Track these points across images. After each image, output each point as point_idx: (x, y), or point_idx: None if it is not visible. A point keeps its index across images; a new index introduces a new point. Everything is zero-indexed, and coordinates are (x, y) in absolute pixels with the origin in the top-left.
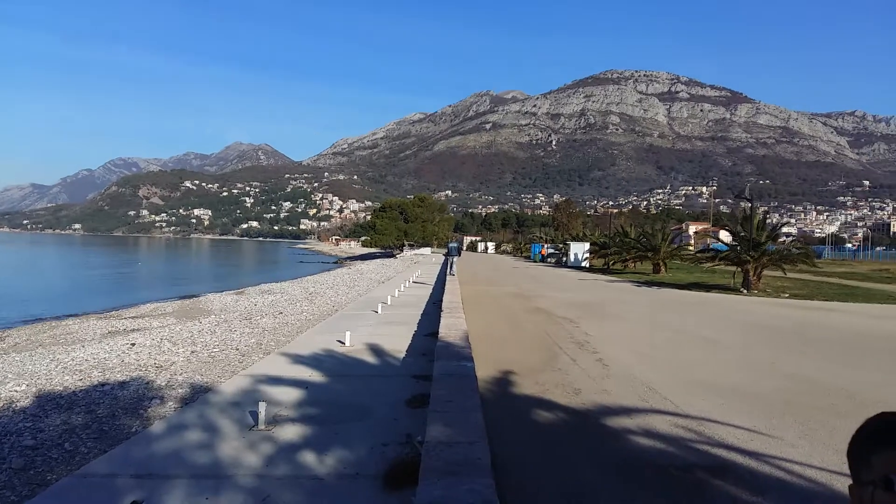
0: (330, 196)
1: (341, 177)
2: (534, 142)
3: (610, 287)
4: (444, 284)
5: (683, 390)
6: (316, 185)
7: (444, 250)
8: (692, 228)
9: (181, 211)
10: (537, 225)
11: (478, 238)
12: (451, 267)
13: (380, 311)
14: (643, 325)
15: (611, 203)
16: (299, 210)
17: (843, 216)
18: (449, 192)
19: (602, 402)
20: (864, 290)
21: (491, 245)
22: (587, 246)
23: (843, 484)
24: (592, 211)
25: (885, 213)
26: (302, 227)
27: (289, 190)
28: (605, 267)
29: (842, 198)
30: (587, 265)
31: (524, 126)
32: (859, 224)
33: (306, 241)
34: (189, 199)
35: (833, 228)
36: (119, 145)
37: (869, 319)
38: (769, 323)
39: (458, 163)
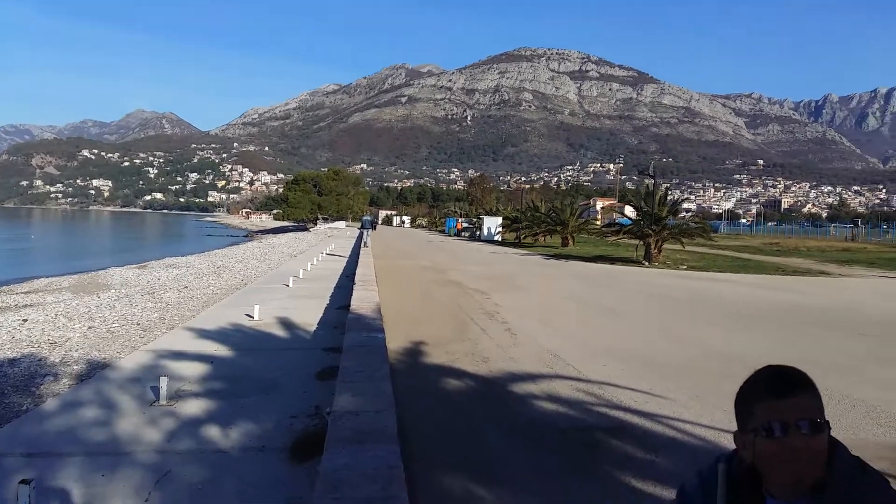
0: (240, 168)
1: (252, 148)
2: (449, 117)
3: (521, 260)
4: (358, 258)
5: (586, 357)
6: (225, 156)
7: (359, 224)
8: (599, 204)
9: (79, 182)
10: (452, 199)
11: (393, 212)
12: (365, 240)
13: (291, 285)
14: (551, 296)
15: (523, 179)
16: (207, 182)
17: (738, 193)
18: (364, 166)
19: (509, 370)
20: (756, 262)
21: (406, 219)
22: (500, 220)
23: (730, 440)
24: (506, 186)
25: (777, 190)
26: (210, 199)
27: (195, 161)
28: (517, 241)
29: (738, 176)
30: (500, 239)
31: (440, 101)
32: (753, 201)
33: (215, 214)
34: (87, 169)
35: (729, 205)
36: (10, 111)
37: (758, 290)
38: (668, 293)
39: (373, 136)
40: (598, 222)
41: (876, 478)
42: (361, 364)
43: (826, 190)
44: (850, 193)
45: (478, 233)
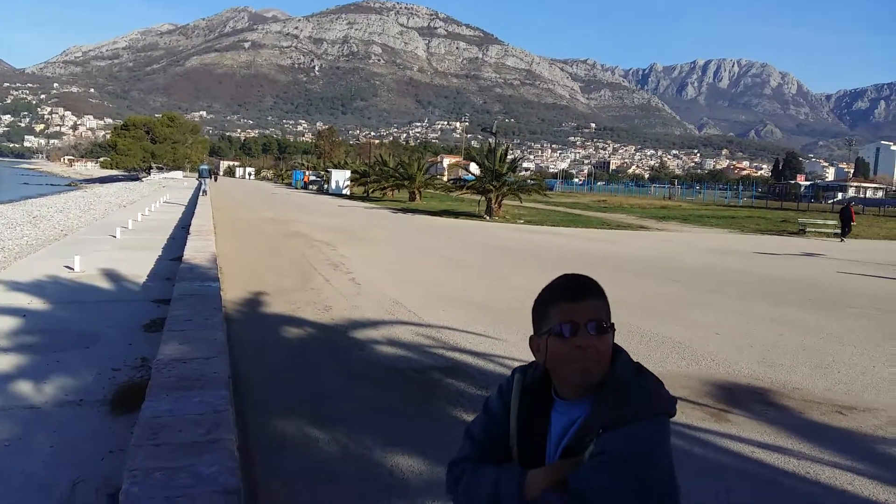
0: (61, 111)
1: (75, 89)
2: (296, 66)
3: (368, 213)
4: (195, 208)
5: (427, 304)
6: (43, 97)
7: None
8: (446, 161)
9: None
10: (300, 152)
11: (236, 163)
12: (203, 188)
13: (119, 236)
14: (396, 248)
15: (372, 133)
16: (22, 125)
17: (572, 154)
18: (203, 114)
19: (351, 317)
20: (585, 217)
21: (250, 171)
22: (348, 174)
23: None
24: (355, 140)
25: (607, 152)
26: (26, 144)
27: (9, 101)
28: (366, 194)
29: (572, 138)
30: (348, 193)
31: (286, 48)
32: (585, 162)
33: (32, 161)
34: None
35: (564, 165)
36: None
37: (587, 242)
38: (506, 245)
39: (213, 82)
40: (445, 178)
41: (650, 378)
42: (192, 312)
43: (649, 153)
44: (669, 156)
45: (326, 186)
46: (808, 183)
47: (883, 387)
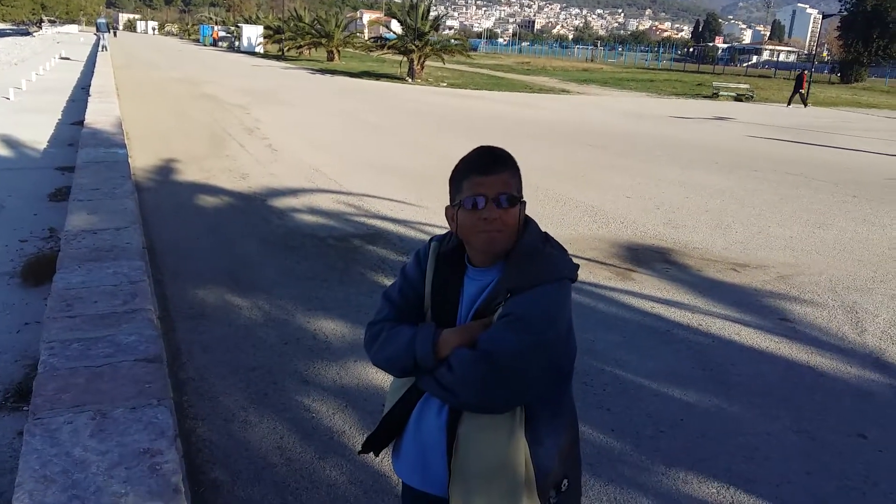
0: None
1: None
2: None
3: (284, 74)
4: (95, 67)
5: (348, 170)
6: None
7: (95, 28)
8: (367, 17)
9: None
10: (207, 4)
11: (137, 16)
12: (102, 46)
13: (13, 98)
14: (315, 112)
15: None
16: None
17: (497, 12)
18: None
19: (269, 185)
20: (508, 80)
21: (153, 25)
22: (261, 30)
23: None
24: None
25: (532, 11)
26: None
27: None
28: (281, 53)
29: None
30: (261, 51)
31: None
32: (510, 21)
33: None
34: None
35: (489, 24)
36: None
37: (508, 106)
38: (428, 109)
39: None
40: (365, 36)
41: (556, 246)
42: (99, 181)
43: (574, 12)
44: (594, 16)
45: (237, 43)
46: (725, 46)
47: (775, 245)
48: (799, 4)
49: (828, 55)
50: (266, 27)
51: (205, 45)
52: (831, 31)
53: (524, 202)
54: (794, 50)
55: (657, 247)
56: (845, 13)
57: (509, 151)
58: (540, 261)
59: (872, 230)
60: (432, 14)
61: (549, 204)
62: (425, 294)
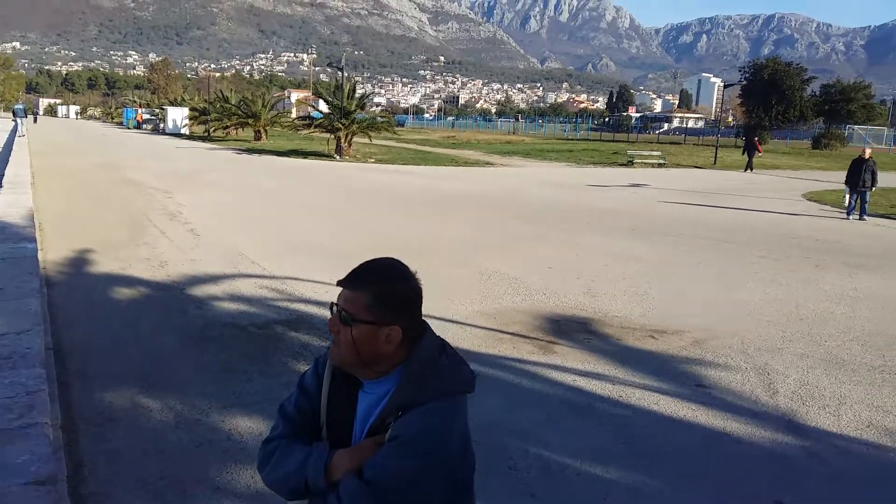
0: None
1: None
2: None
3: (210, 155)
4: (10, 156)
5: (273, 253)
6: None
7: (11, 114)
8: (294, 96)
9: None
10: (131, 87)
11: (58, 101)
12: (20, 132)
13: None
14: (240, 193)
15: (213, 66)
16: None
17: (423, 88)
18: (17, 45)
19: (189, 273)
20: (435, 154)
21: (75, 109)
22: (186, 112)
23: None
24: (193, 74)
25: (456, 87)
26: None
27: None
28: (207, 134)
29: (422, 72)
30: (187, 132)
31: None
32: (436, 96)
33: None
34: None
35: (415, 99)
36: None
37: (435, 180)
38: (356, 186)
39: (25, 8)
40: (293, 115)
41: (452, 357)
42: (3, 280)
43: (496, 87)
44: (514, 90)
45: (161, 125)
46: (638, 115)
47: (690, 309)
48: (703, 74)
49: (733, 120)
50: (192, 109)
51: (128, 129)
52: (734, 98)
53: (374, 324)
54: (702, 116)
55: (579, 317)
56: (745, 82)
57: (402, 267)
58: (432, 375)
59: (780, 290)
60: (358, 93)
61: (476, 278)
62: (321, 408)
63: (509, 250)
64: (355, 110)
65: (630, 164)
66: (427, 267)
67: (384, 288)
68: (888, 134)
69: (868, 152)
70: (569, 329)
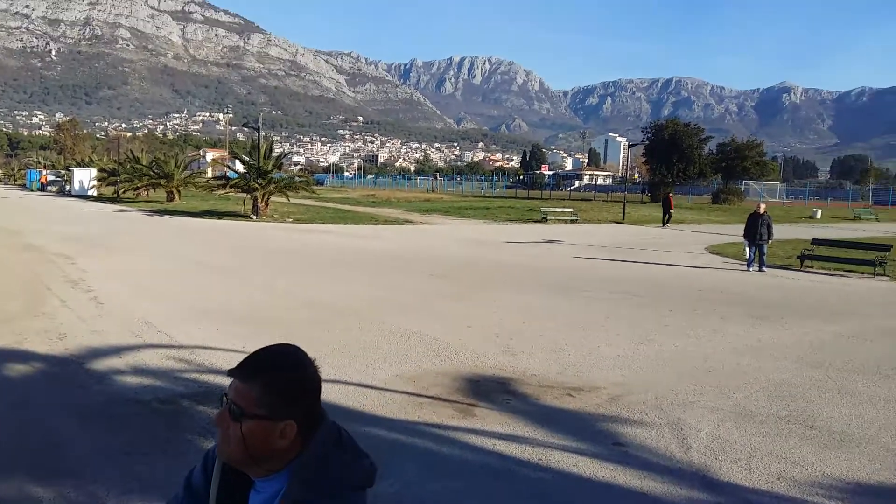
0: None
1: None
2: (28, 49)
3: (119, 217)
4: None
5: (182, 321)
6: None
7: None
8: (210, 155)
9: None
10: (36, 148)
11: None
12: None
13: None
14: (149, 257)
15: (124, 126)
16: None
17: (342, 147)
18: None
19: (90, 345)
20: (354, 213)
21: None
22: (94, 172)
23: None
24: (103, 134)
25: (375, 146)
26: None
27: None
28: (116, 195)
29: (341, 131)
30: (95, 194)
31: (15, 30)
32: (355, 155)
33: None
34: None
35: (335, 158)
36: None
37: (354, 239)
38: (272, 246)
39: None
40: (208, 175)
41: (349, 451)
42: None
43: (414, 146)
44: (432, 149)
45: (68, 187)
46: (550, 173)
47: (605, 365)
48: (610, 134)
49: (638, 177)
50: (100, 170)
51: (32, 191)
52: (638, 157)
53: (269, 419)
54: (610, 174)
55: (498, 377)
56: (647, 141)
57: (297, 355)
58: (325, 472)
59: (689, 343)
60: (276, 152)
61: (393, 340)
62: None
63: (428, 309)
64: (272, 169)
65: (544, 220)
66: (344, 330)
67: (278, 379)
68: (781, 188)
69: (763, 207)
70: (488, 390)
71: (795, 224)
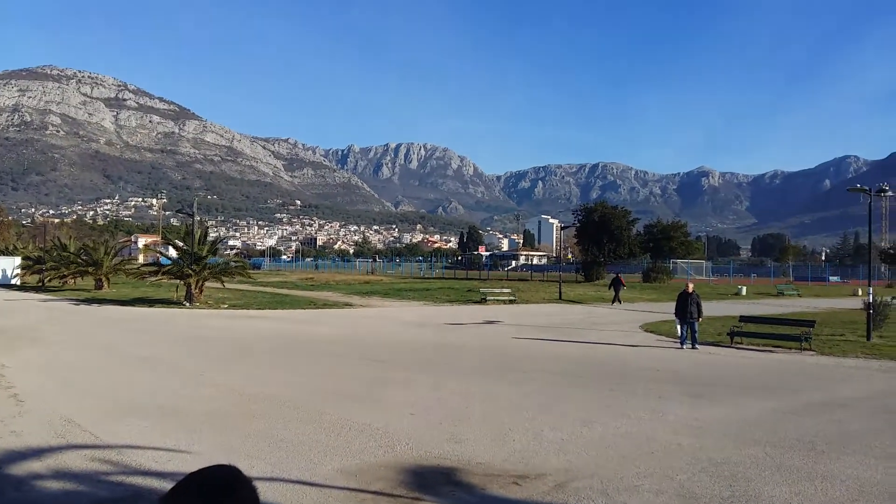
0: None
1: None
2: None
3: (43, 307)
4: None
5: (108, 418)
6: None
7: None
8: (142, 241)
9: None
10: None
11: None
12: None
13: None
14: (75, 348)
15: (52, 212)
16: None
17: (280, 231)
18: None
19: (8, 447)
20: (292, 297)
21: None
22: (18, 261)
23: (268, 489)
24: (30, 221)
25: (313, 229)
26: None
27: None
28: (41, 284)
29: (279, 215)
30: (18, 283)
31: None
32: (293, 238)
33: None
34: None
35: (272, 242)
36: None
37: (291, 324)
38: (206, 335)
39: None
40: (140, 261)
41: None
42: None
43: (353, 229)
44: (371, 232)
45: None
46: (488, 253)
47: (550, 450)
48: (542, 216)
49: (571, 257)
50: (25, 258)
51: None
52: (571, 238)
53: None
54: (545, 254)
55: (443, 466)
56: (578, 223)
57: (231, 479)
58: None
59: (631, 424)
60: (211, 236)
61: (334, 431)
62: None
63: (370, 397)
64: (207, 255)
65: (484, 301)
66: (282, 422)
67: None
68: (707, 266)
69: (691, 286)
70: (433, 482)
71: (723, 301)
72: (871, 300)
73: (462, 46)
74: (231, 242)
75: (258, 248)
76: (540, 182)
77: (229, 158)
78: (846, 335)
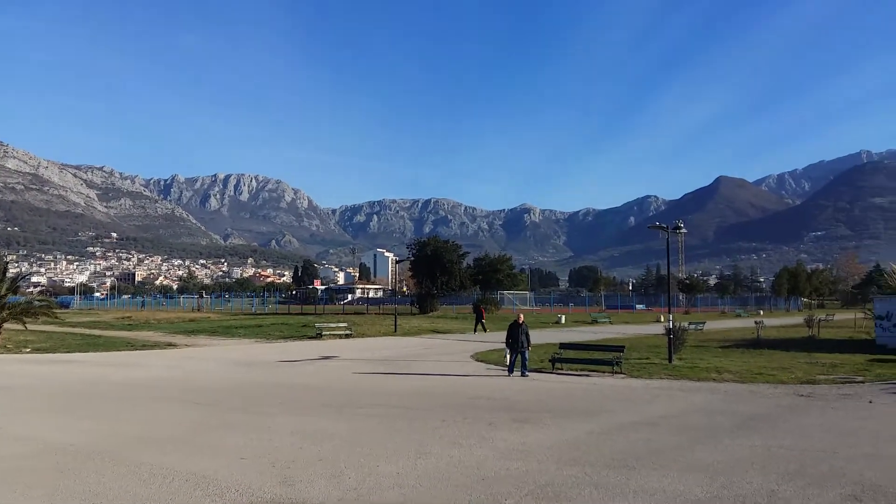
0: None
1: None
2: None
3: None
4: None
5: None
6: None
7: None
8: None
9: None
10: None
11: None
12: None
13: None
14: None
15: None
16: None
17: (93, 266)
18: None
19: None
20: (107, 339)
21: None
22: None
23: None
24: None
25: (132, 263)
26: None
27: None
28: None
29: (91, 248)
30: None
31: None
32: (108, 273)
33: None
34: None
35: (83, 278)
36: None
37: (104, 368)
38: (6, 383)
39: None
40: None
41: None
42: None
43: (177, 263)
44: (197, 266)
45: None
46: (323, 287)
47: (385, 485)
48: (378, 249)
49: (407, 290)
50: None
51: None
52: (406, 271)
53: None
54: (381, 287)
55: None
56: (412, 257)
57: None
58: None
59: (462, 452)
60: (11, 272)
61: (154, 483)
62: None
63: (194, 443)
64: (6, 293)
65: (319, 336)
66: (94, 476)
67: None
68: (530, 296)
69: (521, 317)
70: None
71: (545, 329)
72: (671, 325)
73: (296, 77)
74: (35, 279)
75: (67, 284)
76: (375, 216)
77: (34, 187)
78: (651, 358)
